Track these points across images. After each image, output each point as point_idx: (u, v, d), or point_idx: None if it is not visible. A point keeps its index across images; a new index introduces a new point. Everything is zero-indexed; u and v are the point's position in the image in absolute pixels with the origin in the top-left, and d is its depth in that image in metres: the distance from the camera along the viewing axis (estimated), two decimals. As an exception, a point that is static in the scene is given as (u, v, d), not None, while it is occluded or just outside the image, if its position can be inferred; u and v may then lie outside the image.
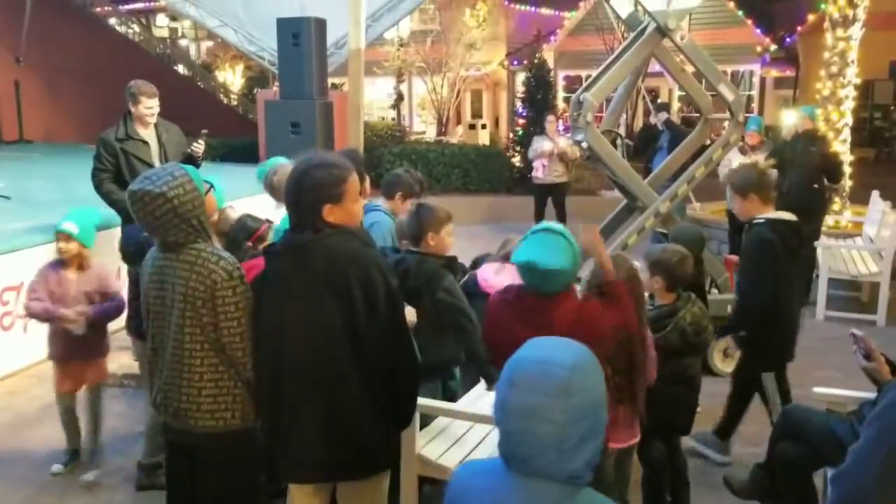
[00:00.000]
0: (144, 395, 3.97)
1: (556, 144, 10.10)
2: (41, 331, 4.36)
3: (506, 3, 21.44)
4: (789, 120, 8.53)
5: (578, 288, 3.04)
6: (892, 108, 20.38)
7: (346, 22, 9.06)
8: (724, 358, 5.62)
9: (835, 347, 5.86)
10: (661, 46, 6.08)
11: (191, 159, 5.50)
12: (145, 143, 5.51)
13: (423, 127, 22.65)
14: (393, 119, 20.74)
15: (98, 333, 4.28)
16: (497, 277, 4.22)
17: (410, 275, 3.58)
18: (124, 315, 4.36)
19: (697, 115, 6.65)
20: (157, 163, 5.45)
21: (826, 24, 9.79)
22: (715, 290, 5.97)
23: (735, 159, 7.90)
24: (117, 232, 5.26)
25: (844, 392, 3.73)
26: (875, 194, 8.56)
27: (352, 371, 2.59)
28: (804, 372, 5.49)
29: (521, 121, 13.90)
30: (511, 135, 15.63)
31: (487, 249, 4.57)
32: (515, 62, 21.29)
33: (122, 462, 4.42)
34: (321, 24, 8.57)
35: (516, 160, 13.59)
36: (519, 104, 14.44)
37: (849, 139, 9.85)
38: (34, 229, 6.11)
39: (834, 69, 9.62)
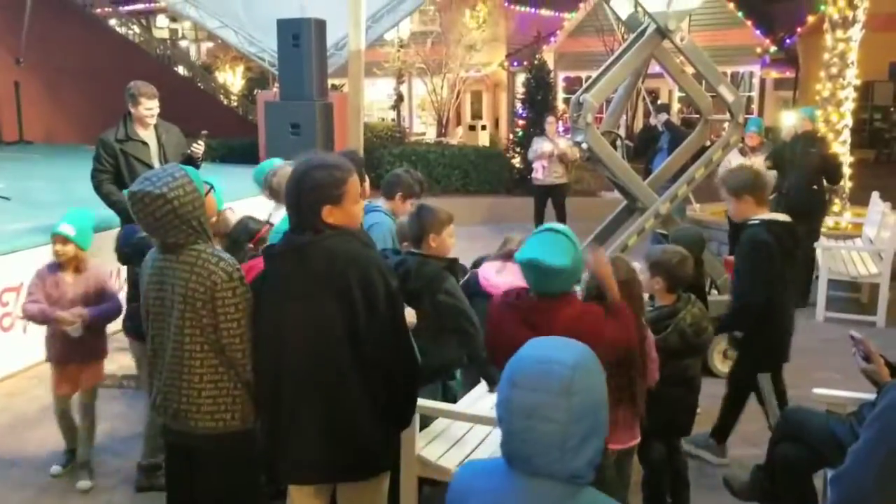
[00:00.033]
0: (144, 396, 3.98)
1: (556, 146, 10.10)
2: (41, 332, 4.35)
3: (506, 4, 21.44)
4: (789, 121, 8.53)
5: (577, 289, 3.04)
6: (892, 109, 20.39)
7: (346, 23, 9.04)
8: (723, 359, 5.62)
9: (834, 349, 5.86)
10: (661, 47, 6.08)
11: (190, 160, 5.50)
12: (145, 144, 5.51)
13: (423, 128, 22.66)
14: (393, 120, 20.75)
15: (95, 336, 4.26)
16: (498, 277, 4.22)
17: (411, 276, 3.57)
18: (121, 316, 4.35)
19: (697, 116, 6.65)
20: (156, 164, 5.45)
21: (826, 26, 9.79)
22: (715, 291, 5.97)
23: (735, 161, 7.90)
24: (117, 233, 5.25)
25: (844, 393, 3.73)
26: (875, 195, 8.57)
27: (352, 372, 2.59)
28: (804, 373, 5.49)
29: (520, 122, 13.91)
30: (511, 136, 15.63)
31: (487, 250, 4.57)
32: (515, 63, 21.30)
33: (121, 463, 4.41)
34: (321, 26, 8.57)
35: (516, 161, 13.59)
36: (519, 105, 14.45)
37: (849, 140, 9.85)
38: (34, 230, 6.11)
39: (834, 70, 9.61)
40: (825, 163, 7.62)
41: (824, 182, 7.73)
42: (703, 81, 6.38)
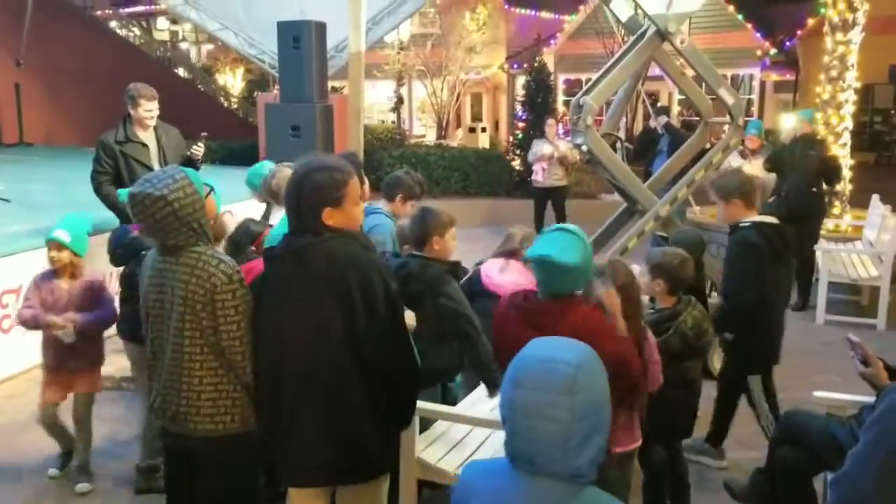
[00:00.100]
0: (143, 398, 3.97)
1: (556, 148, 10.11)
2: (39, 334, 4.34)
3: (506, 6, 21.43)
4: (788, 124, 8.53)
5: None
6: (893, 112, 20.38)
7: (347, 25, 9.05)
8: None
9: (834, 351, 5.86)
10: (661, 50, 6.07)
11: (190, 162, 5.51)
12: (144, 145, 5.51)
13: (423, 130, 22.64)
14: (393, 122, 20.74)
15: (90, 343, 4.23)
16: (502, 276, 4.21)
17: (413, 279, 3.57)
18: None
19: (697, 118, 6.64)
20: (156, 165, 5.46)
21: (826, 28, 9.79)
22: (715, 294, 5.97)
23: (735, 163, 7.90)
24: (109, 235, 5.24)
25: (844, 396, 3.73)
26: (875, 198, 8.57)
27: (351, 374, 2.59)
28: (804, 376, 5.50)
29: (520, 124, 13.91)
30: (511, 138, 15.63)
31: (487, 252, 4.56)
32: (515, 66, 21.28)
33: (120, 465, 4.40)
34: (321, 28, 8.57)
35: (516, 163, 13.60)
36: (519, 108, 14.46)
37: (849, 143, 9.86)
38: (34, 232, 6.10)
39: (834, 73, 9.62)
40: (824, 165, 7.62)
41: (823, 184, 7.74)
42: (703, 84, 6.38)
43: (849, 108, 9.71)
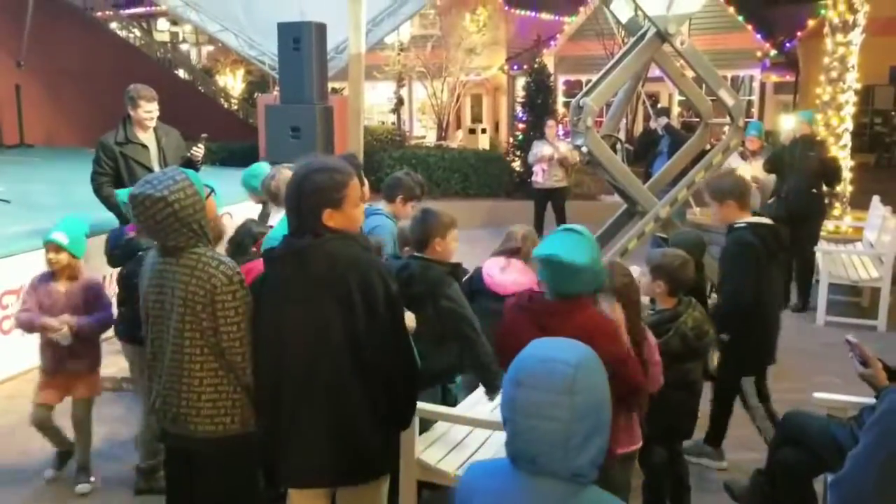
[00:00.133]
0: (143, 399, 3.97)
1: (556, 149, 10.11)
2: (40, 336, 4.33)
3: (506, 7, 21.43)
4: (788, 125, 8.54)
5: None
6: (893, 113, 20.39)
7: (347, 26, 9.05)
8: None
9: (835, 353, 5.85)
10: (661, 51, 6.08)
11: (190, 163, 5.51)
12: (144, 146, 5.52)
13: (423, 131, 22.63)
14: (393, 123, 20.74)
15: (88, 346, 4.21)
16: (503, 275, 4.20)
17: (415, 281, 3.56)
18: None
19: (697, 119, 6.65)
20: (156, 167, 5.46)
21: (826, 30, 9.80)
22: (715, 295, 5.96)
23: (735, 164, 7.90)
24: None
25: (844, 397, 3.72)
26: (875, 199, 8.57)
27: (352, 376, 2.59)
28: (804, 377, 5.50)
29: (520, 125, 13.91)
30: (511, 139, 15.63)
31: (487, 254, 4.55)
32: (516, 67, 21.29)
33: (120, 466, 4.40)
34: (321, 29, 8.58)
35: (516, 165, 13.59)
36: (519, 109, 14.46)
37: (849, 144, 9.86)
38: (34, 233, 6.09)
39: (834, 74, 9.63)
40: (824, 166, 7.63)
41: (823, 186, 7.74)
42: (704, 85, 6.39)
43: (849, 110, 9.71)
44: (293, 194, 2.64)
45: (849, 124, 9.76)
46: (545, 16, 22.08)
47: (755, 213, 4.78)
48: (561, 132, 10.71)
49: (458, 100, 19.99)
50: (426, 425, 3.66)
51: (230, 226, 4.09)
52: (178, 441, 2.82)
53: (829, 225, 8.89)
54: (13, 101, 15.66)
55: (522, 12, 21.73)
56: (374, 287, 2.57)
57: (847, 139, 9.79)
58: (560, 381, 1.58)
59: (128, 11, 25.82)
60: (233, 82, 27.23)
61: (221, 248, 3.65)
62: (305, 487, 2.77)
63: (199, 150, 5.77)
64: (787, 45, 19.99)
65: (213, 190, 3.69)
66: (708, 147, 6.82)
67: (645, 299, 3.75)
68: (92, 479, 4.24)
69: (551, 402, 1.58)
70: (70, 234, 4.15)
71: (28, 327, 4.15)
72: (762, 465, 3.83)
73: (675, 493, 3.83)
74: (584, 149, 6.00)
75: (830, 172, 7.74)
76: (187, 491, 2.88)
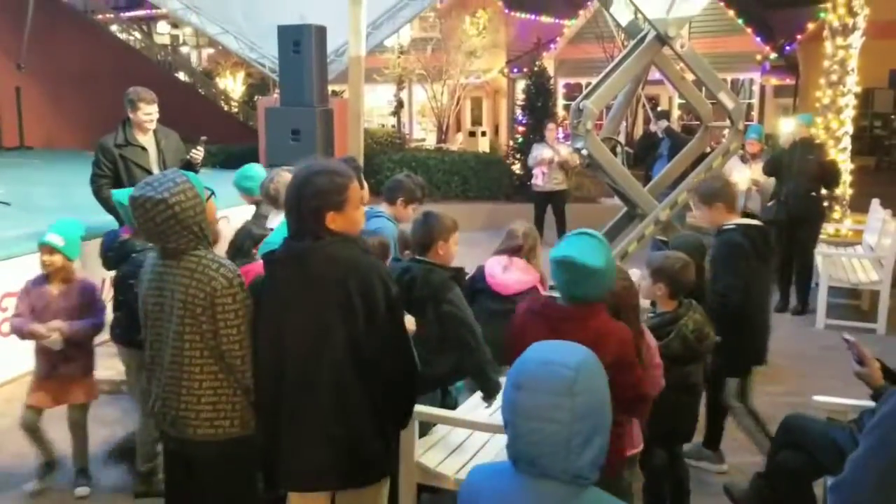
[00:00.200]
0: (140, 403, 3.96)
1: (556, 152, 10.11)
2: (36, 339, 4.31)
3: (506, 11, 21.44)
4: (787, 128, 8.54)
5: None
6: (893, 116, 20.40)
7: (347, 29, 9.07)
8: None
9: (834, 356, 5.84)
10: (661, 54, 6.08)
11: (189, 166, 5.51)
12: (144, 149, 5.52)
13: (423, 134, 22.64)
14: (393, 126, 20.73)
15: (82, 352, 4.18)
16: (505, 275, 4.20)
17: (417, 284, 3.55)
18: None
19: (697, 122, 6.65)
20: (155, 169, 5.46)
21: (826, 33, 9.81)
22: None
23: (735, 167, 7.91)
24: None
25: (845, 400, 3.72)
26: (875, 202, 8.57)
27: (352, 378, 2.59)
28: (804, 380, 5.50)
29: (520, 128, 13.91)
30: (511, 142, 15.63)
31: (486, 256, 4.55)
32: (515, 70, 21.30)
33: (119, 470, 4.39)
34: (321, 32, 8.59)
35: (516, 167, 13.59)
36: (519, 112, 14.46)
37: (849, 147, 9.87)
38: (34, 236, 6.07)
39: (834, 77, 9.63)
40: (823, 169, 7.63)
41: (823, 189, 7.74)
42: (704, 88, 6.38)
43: (849, 113, 9.72)
44: (293, 197, 2.64)
45: (849, 127, 9.76)
46: (545, 19, 22.09)
47: (746, 215, 4.80)
48: (561, 135, 10.71)
49: (458, 103, 20.01)
50: (426, 428, 3.66)
51: (227, 230, 4.08)
52: (178, 444, 2.82)
53: (828, 228, 8.89)
54: (13, 104, 15.68)
55: (522, 15, 21.74)
56: (375, 290, 2.57)
57: (847, 142, 9.79)
58: (560, 384, 1.59)
59: (128, 14, 25.84)
60: (233, 85, 27.23)
61: (219, 252, 3.64)
62: (305, 490, 2.76)
63: (198, 153, 5.78)
64: (787, 48, 20.01)
65: (213, 192, 3.70)
66: (708, 150, 6.82)
67: (645, 302, 3.75)
68: (90, 482, 4.23)
69: (552, 405, 1.59)
70: (65, 236, 4.12)
71: (19, 333, 4.12)
72: (762, 468, 3.82)
73: (675, 496, 3.82)
74: (584, 152, 5.99)
75: (829, 175, 7.75)
76: (186, 494, 2.88)
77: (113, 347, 4.40)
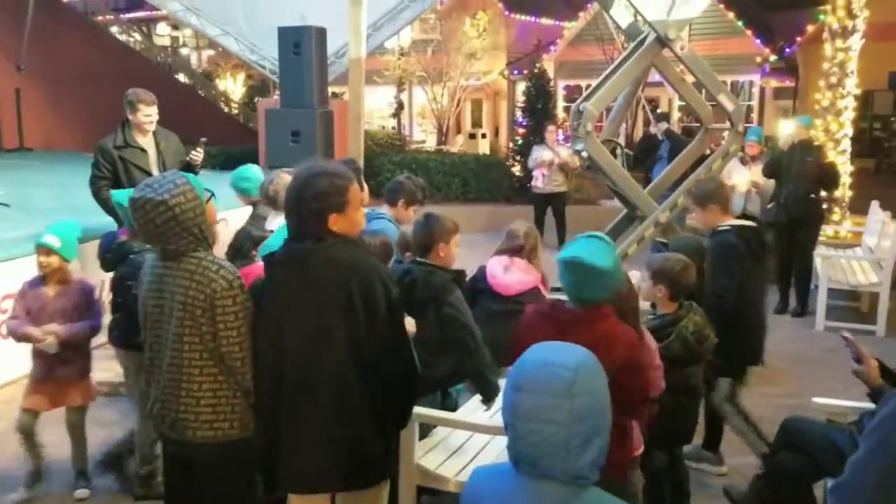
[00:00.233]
0: (138, 405, 3.95)
1: (556, 154, 10.13)
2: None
3: (506, 13, 21.46)
4: (787, 130, 8.54)
5: None
6: (892, 118, 20.41)
7: (347, 31, 9.08)
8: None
9: (834, 357, 5.85)
10: (661, 56, 6.09)
11: (189, 167, 5.51)
12: (143, 150, 5.52)
13: (424, 136, 22.64)
14: (393, 128, 20.74)
15: (79, 354, 4.16)
16: (506, 275, 4.19)
17: (418, 286, 3.55)
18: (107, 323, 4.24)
19: (697, 125, 6.66)
20: (155, 171, 5.46)
21: (825, 35, 9.81)
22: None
23: (735, 169, 7.91)
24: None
25: (844, 402, 3.72)
26: (875, 204, 8.57)
27: (352, 380, 2.59)
28: (804, 382, 5.49)
29: (520, 130, 13.92)
30: (511, 144, 15.63)
31: (486, 258, 4.55)
32: (516, 72, 21.30)
33: (108, 478, 4.36)
34: (322, 34, 8.58)
35: (516, 169, 13.59)
36: (519, 114, 14.46)
37: (848, 150, 9.86)
38: (33, 237, 6.05)
39: (833, 80, 9.64)
40: (822, 171, 7.64)
41: (822, 191, 7.74)
42: (703, 90, 6.39)
43: (848, 115, 9.72)
44: (293, 199, 2.64)
45: (848, 129, 9.77)
46: (545, 21, 22.09)
47: (745, 217, 4.81)
48: (561, 137, 10.71)
49: (458, 104, 20.03)
50: (426, 430, 3.66)
51: (225, 233, 4.07)
52: (177, 446, 2.82)
53: (828, 230, 8.89)
54: (13, 105, 15.68)
55: (522, 17, 21.76)
56: (376, 291, 2.57)
57: (847, 144, 9.79)
58: (559, 385, 1.60)
59: (128, 15, 25.87)
60: (233, 86, 27.26)
61: (217, 254, 3.64)
62: (305, 492, 2.76)
63: (198, 155, 5.78)
64: (787, 50, 20.01)
65: (213, 194, 3.70)
66: (708, 152, 6.82)
67: (645, 304, 3.75)
68: (90, 484, 4.23)
69: (551, 406, 1.60)
70: (61, 237, 4.11)
71: (14, 336, 4.10)
72: (762, 470, 3.82)
73: (675, 497, 3.82)
74: (584, 153, 6.00)
75: (828, 177, 7.75)
76: (186, 496, 2.88)
77: (111, 350, 4.40)
